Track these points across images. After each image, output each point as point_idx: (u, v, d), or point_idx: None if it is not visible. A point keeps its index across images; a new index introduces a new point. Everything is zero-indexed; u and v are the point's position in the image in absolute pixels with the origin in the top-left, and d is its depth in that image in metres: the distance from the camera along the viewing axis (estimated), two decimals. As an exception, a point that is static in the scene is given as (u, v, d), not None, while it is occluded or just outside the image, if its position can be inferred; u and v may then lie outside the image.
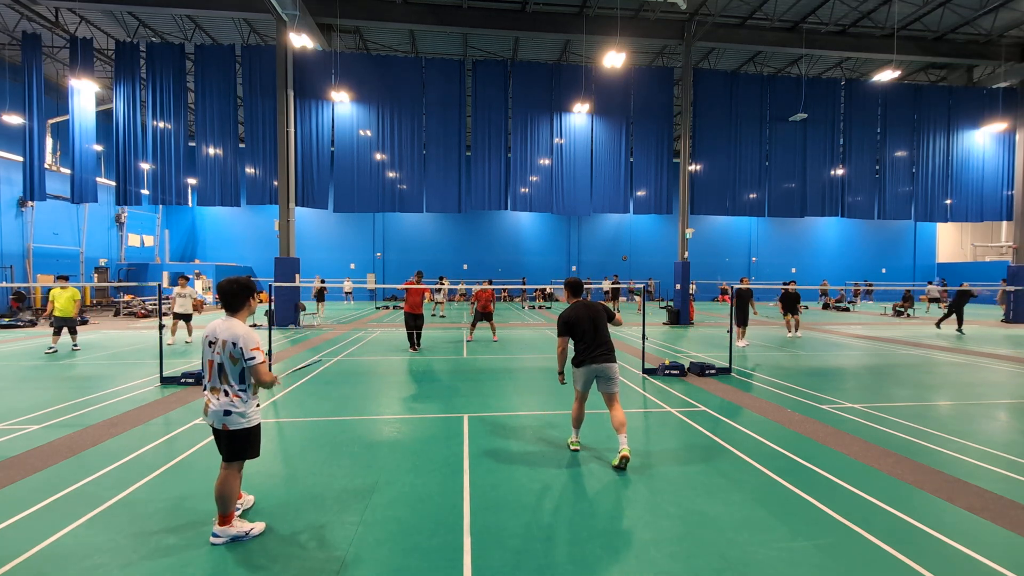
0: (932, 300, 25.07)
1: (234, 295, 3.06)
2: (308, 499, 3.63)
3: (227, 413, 2.97)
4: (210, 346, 3.03)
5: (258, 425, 3.11)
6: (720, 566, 2.84)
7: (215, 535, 3.04)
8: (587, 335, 4.47)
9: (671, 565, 2.85)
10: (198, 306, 12.41)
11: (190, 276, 12.19)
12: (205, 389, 3.07)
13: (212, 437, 4.75)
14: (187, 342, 11.75)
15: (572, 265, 32.41)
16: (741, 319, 11.67)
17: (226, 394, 2.99)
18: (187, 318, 11.64)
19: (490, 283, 13.06)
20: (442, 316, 19.99)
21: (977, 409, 6.30)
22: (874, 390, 7.34)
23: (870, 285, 29.92)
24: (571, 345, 4.62)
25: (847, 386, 7.63)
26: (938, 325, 15.47)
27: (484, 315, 12.26)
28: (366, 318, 19.25)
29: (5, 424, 5.40)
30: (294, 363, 9.22)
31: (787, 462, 4.42)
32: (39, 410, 5.94)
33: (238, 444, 3.04)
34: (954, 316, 14.75)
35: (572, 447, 4.71)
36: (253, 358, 2.94)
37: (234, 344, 2.94)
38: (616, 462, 4.20)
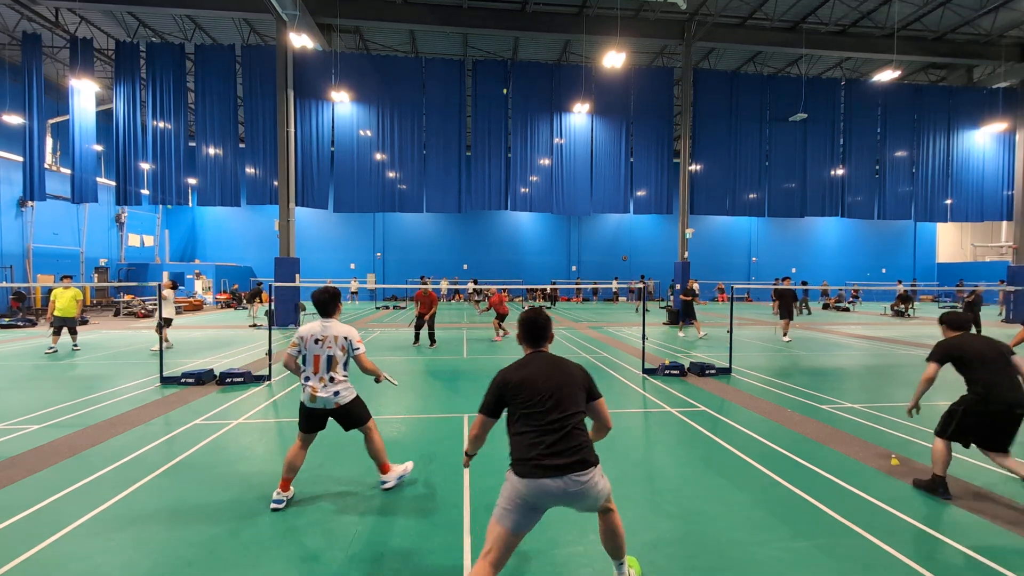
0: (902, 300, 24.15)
1: (326, 303, 3.66)
2: (308, 499, 3.64)
3: (337, 393, 3.55)
4: (316, 343, 3.57)
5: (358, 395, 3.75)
6: (720, 566, 2.84)
7: (383, 482, 3.80)
8: (537, 416, 2.32)
9: (671, 565, 2.85)
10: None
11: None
12: (308, 381, 3.55)
13: (212, 436, 4.74)
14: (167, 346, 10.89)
15: (572, 265, 32.42)
16: (689, 313, 14.03)
17: (332, 380, 3.56)
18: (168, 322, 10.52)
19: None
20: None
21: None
22: (874, 390, 7.34)
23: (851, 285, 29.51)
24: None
25: (847, 386, 7.63)
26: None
27: (499, 315, 12.68)
28: (367, 318, 19.24)
29: (5, 424, 5.40)
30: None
31: (787, 462, 4.42)
32: (39, 410, 5.94)
33: (356, 409, 3.67)
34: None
35: None
36: (358, 349, 3.64)
37: (347, 339, 3.61)
38: None
